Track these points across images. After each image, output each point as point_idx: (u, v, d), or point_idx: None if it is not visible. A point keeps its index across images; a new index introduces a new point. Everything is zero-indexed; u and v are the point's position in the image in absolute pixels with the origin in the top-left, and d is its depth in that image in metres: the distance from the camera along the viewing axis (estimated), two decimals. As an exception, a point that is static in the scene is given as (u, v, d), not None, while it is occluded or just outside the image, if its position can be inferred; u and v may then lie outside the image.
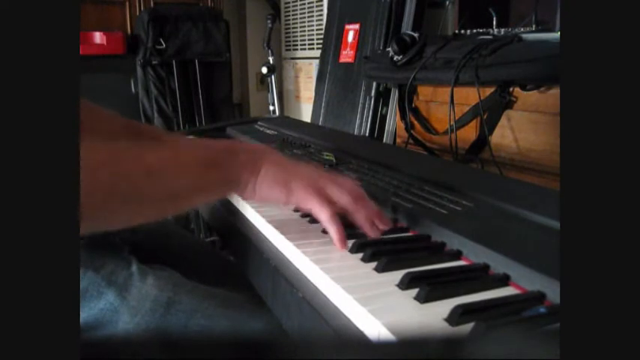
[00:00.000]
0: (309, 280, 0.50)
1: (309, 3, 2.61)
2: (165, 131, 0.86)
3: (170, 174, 0.52)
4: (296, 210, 0.67)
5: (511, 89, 1.23)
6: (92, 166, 0.45)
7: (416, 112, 1.59)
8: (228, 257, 0.94)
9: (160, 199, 0.53)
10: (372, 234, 0.56)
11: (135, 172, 0.50)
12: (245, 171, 0.56)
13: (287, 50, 2.86)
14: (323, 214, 0.55)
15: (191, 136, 1.24)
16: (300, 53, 2.74)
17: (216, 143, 0.62)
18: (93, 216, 0.47)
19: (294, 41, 2.79)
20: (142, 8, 2.63)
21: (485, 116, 1.28)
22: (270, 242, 0.61)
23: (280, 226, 0.61)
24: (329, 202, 0.56)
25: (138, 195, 0.50)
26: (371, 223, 0.57)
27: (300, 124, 1.57)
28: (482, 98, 1.23)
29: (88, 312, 0.67)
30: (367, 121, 1.85)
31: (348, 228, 0.57)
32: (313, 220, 0.63)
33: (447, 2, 1.79)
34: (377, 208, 0.59)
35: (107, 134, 0.79)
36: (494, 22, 1.43)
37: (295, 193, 0.56)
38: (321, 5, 2.49)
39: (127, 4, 2.64)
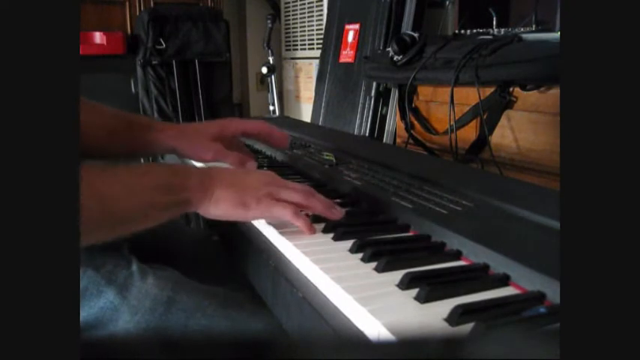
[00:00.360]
0: (309, 280, 0.50)
1: (309, 3, 2.61)
2: (153, 119, 0.88)
3: (121, 200, 0.55)
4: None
5: (511, 89, 1.23)
6: None
7: (416, 112, 1.59)
8: (228, 257, 0.94)
9: (112, 224, 0.56)
10: (333, 217, 0.62)
11: (87, 201, 0.51)
12: (196, 193, 0.59)
13: (287, 50, 2.86)
14: (287, 214, 0.60)
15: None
16: (300, 53, 2.74)
17: (167, 167, 0.66)
18: None
19: (294, 41, 2.79)
20: (142, 8, 2.63)
21: (485, 116, 1.28)
22: (270, 242, 0.61)
23: (280, 226, 0.61)
24: (285, 202, 0.61)
25: (91, 222, 0.52)
26: (328, 210, 0.62)
27: (300, 124, 1.57)
28: (482, 98, 1.23)
29: (88, 311, 0.67)
30: (367, 121, 1.85)
31: (347, 226, 0.57)
32: (313, 220, 0.63)
33: (447, 2, 1.79)
34: (328, 201, 0.64)
35: (99, 126, 0.79)
36: (494, 22, 1.43)
37: (253, 208, 0.60)
38: (321, 5, 2.49)
39: (127, 4, 2.64)
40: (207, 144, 0.81)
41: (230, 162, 0.80)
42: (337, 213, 0.63)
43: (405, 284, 0.45)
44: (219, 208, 0.60)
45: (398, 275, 0.46)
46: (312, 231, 0.59)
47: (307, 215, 0.62)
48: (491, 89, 1.26)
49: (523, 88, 1.20)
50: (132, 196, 0.56)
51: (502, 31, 1.39)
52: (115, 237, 0.58)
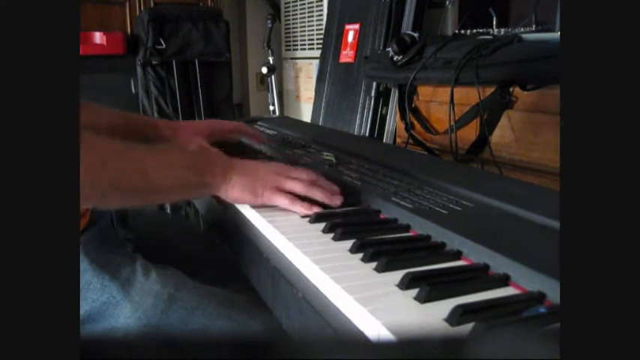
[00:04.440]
0: (309, 280, 0.50)
1: (309, 3, 2.61)
2: (150, 117, 1.01)
3: (160, 174, 0.64)
4: (296, 210, 0.67)
5: (511, 89, 1.23)
6: (101, 159, 0.58)
7: (416, 112, 1.59)
8: (229, 258, 0.94)
9: (148, 193, 0.65)
10: (331, 203, 0.69)
11: (134, 170, 0.62)
12: (218, 178, 0.68)
13: (287, 50, 2.87)
14: (285, 203, 0.68)
15: None
16: (300, 53, 2.74)
17: (198, 153, 0.78)
18: (95, 202, 0.62)
19: (294, 41, 2.79)
20: (142, 8, 2.63)
21: (485, 116, 1.28)
22: (270, 242, 0.61)
23: (280, 226, 0.61)
24: (289, 193, 0.69)
25: (132, 188, 0.62)
26: (328, 198, 0.69)
27: (300, 124, 1.57)
28: (482, 98, 1.23)
29: (90, 304, 0.68)
30: (367, 121, 1.85)
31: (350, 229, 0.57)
32: (313, 220, 0.63)
33: (447, 2, 1.79)
34: (331, 186, 0.71)
35: (108, 128, 0.83)
36: (494, 22, 1.43)
37: (261, 195, 0.69)
38: (321, 5, 2.49)
39: (127, 4, 2.64)
40: (192, 138, 0.93)
41: None
42: (336, 200, 0.69)
43: (405, 284, 0.45)
44: (235, 192, 0.69)
45: (398, 275, 0.46)
46: (310, 211, 0.66)
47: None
48: (492, 89, 1.26)
49: (523, 88, 1.20)
50: (169, 171, 0.65)
51: (502, 31, 1.39)
52: (149, 204, 0.70)
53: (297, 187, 0.69)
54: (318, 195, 0.69)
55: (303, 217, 0.66)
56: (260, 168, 0.73)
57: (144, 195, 0.65)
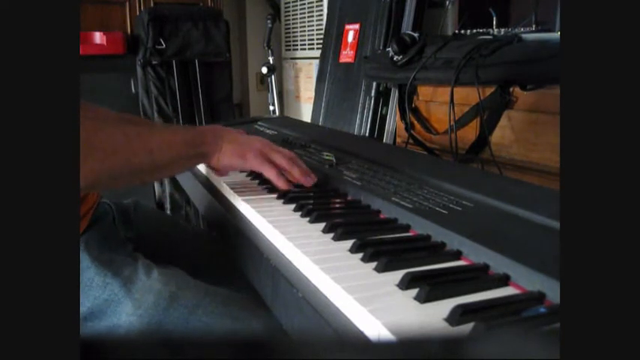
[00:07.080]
0: (309, 280, 0.50)
1: (309, 3, 2.61)
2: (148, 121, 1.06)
3: (164, 151, 0.70)
4: (296, 210, 0.67)
5: (511, 89, 1.23)
6: (112, 148, 0.64)
7: (416, 112, 1.59)
8: (229, 257, 0.95)
9: (155, 170, 0.72)
10: (306, 183, 0.77)
11: (142, 152, 0.68)
12: (211, 147, 0.75)
13: (287, 50, 2.87)
14: (272, 174, 0.75)
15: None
16: (300, 53, 2.74)
17: (190, 128, 0.91)
18: (111, 185, 0.69)
19: (294, 41, 2.79)
20: (142, 8, 2.63)
21: (485, 116, 1.28)
22: (270, 242, 0.61)
23: (280, 226, 0.61)
24: (273, 164, 0.76)
25: (141, 168, 0.68)
26: (304, 177, 0.77)
27: (300, 124, 1.57)
28: (482, 98, 1.23)
29: (92, 301, 0.69)
30: (367, 121, 1.85)
31: (350, 229, 0.57)
32: (313, 220, 0.63)
33: (447, 2, 1.79)
34: (305, 169, 0.79)
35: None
36: (494, 22, 1.43)
37: (249, 161, 0.76)
38: (321, 5, 2.49)
39: (127, 4, 2.64)
40: None
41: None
42: (310, 180, 0.77)
43: (405, 284, 0.45)
44: (225, 158, 0.75)
45: (398, 275, 0.46)
46: (288, 187, 0.75)
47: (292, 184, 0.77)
48: (492, 89, 1.26)
49: (523, 88, 1.20)
50: (169, 148, 0.71)
51: (502, 31, 1.39)
52: (155, 180, 0.82)
53: (282, 162, 0.76)
54: (295, 173, 0.76)
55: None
56: (248, 137, 0.81)
57: (152, 173, 0.74)
